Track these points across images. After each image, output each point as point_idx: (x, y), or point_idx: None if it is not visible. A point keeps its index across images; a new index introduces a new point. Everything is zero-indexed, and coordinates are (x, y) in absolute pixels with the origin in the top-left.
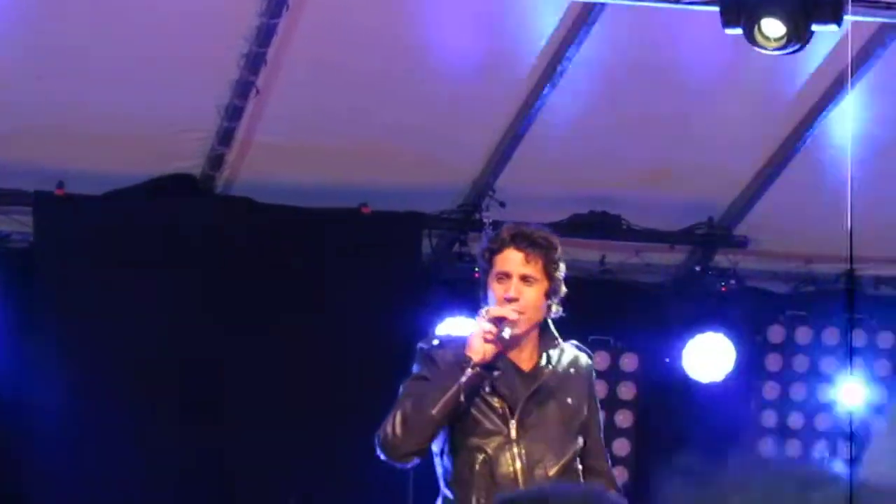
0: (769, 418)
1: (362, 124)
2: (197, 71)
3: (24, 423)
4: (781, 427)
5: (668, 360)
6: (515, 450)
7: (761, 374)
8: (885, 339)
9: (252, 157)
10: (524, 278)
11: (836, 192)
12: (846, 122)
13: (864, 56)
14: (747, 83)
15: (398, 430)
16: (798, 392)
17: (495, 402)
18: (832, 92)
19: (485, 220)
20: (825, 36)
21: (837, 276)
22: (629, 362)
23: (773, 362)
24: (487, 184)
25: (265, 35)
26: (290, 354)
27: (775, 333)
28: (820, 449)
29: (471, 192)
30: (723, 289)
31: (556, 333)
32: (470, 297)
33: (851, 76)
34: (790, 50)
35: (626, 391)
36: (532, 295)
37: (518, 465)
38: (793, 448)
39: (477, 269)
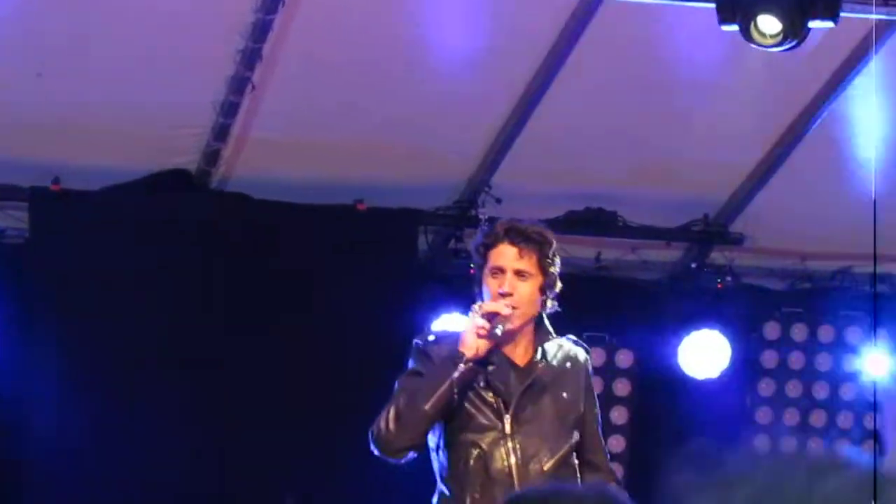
0: (764, 415)
1: (358, 120)
2: (193, 67)
3: (20, 420)
4: (777, 424)
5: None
6: (510, 445)
7: (757, 370)
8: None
9: (248, 154)
10: (518, 273)
11: (832, 189)
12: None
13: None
14: (744, 80)
15: (391, 425)
16: (793, 389)
17: (489, 397)
18: (828, 89)
19: (481, 217)
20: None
21: (833, 273)
22: (625, 359)
23: (768, 359)
24: (483, 180)
25: (261, 31)
26: (285, 351)
27: (771, 330)
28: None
29: (467, 188)
30: (719, 286)
31: (551, 328)
32: (466, 294)
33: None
34: (786, 47)
35: (622, 388)
36: (526, 290)
37: (512, 460)
38: (788, 445)
39: (472, 265)
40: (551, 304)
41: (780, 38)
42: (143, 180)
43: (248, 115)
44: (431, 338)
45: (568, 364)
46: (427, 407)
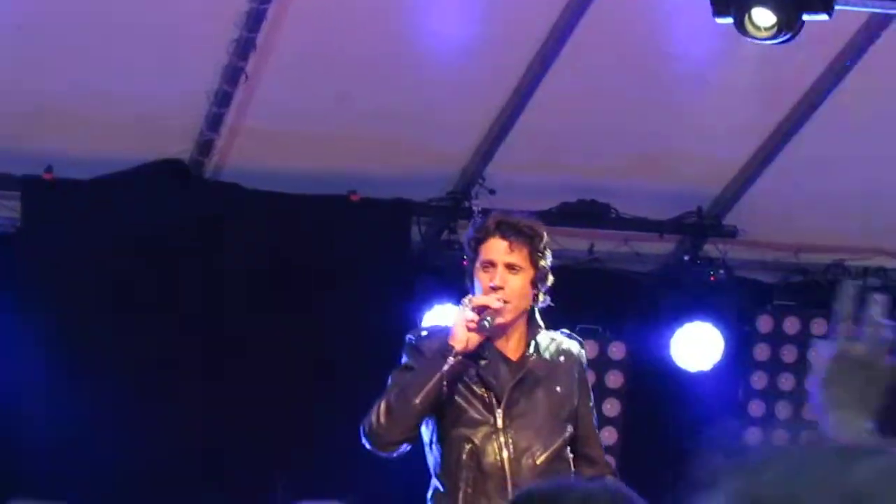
0: (757, 408)
1: (352, 111)
2: (186, 56)
3: (11, 409)
4: (769, 417)
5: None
6: (502, 439)
7: (749, 363)
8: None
9: (241, 143)
10: (509, 267)
11: (826, 184)
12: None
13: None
14: (738, 72)
15: (382, 419)
16: (786, 382)
17: (481, 391)
18: (823, 82)
19: (474, 208)
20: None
21: (826, 266)
22: (617, 351)
23: (761, 352)
24: (477, 171)
25: (255, 20)
26: (278, 340)
27: (764, 323)
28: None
29: (460, 179)
30: (711, 278)
31: (541, 322)
32: (459, 285)
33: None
34: (780, 39)
35: (614, 380)
36: (517, 283)
37: (505, 454)
38: (780, 439)
39: (465, 258)
40: (543, 298)
41: (774, 30)
42: (137, 170)
43: (241, 104)
44: (424, 333)
45: (561, 358)
46: (417, 401)
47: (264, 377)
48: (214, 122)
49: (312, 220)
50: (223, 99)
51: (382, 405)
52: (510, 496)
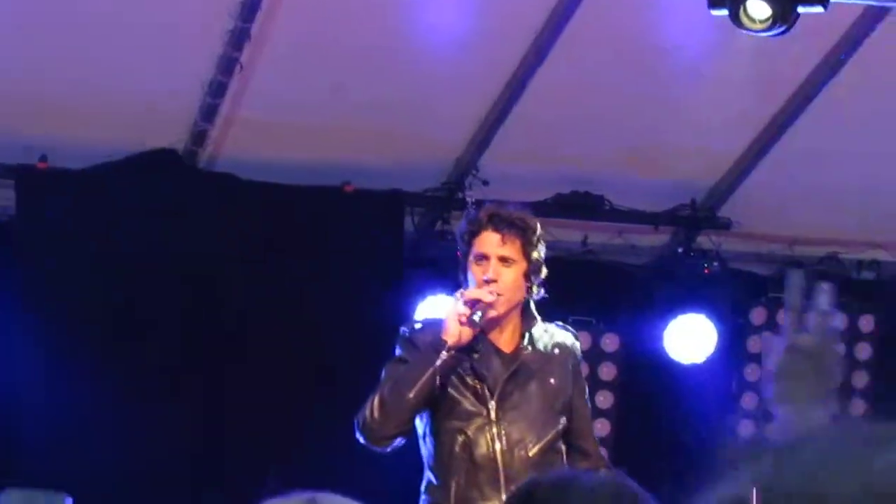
0: (750, 400)
1: (346, 102)
2: (181, 46)
3: (8, 399)
4: (762, 409)
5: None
6: (495, 430)
7: (743, 355)
8: (866, 322)
9: (235, 134)
10: (502, 259)
11: (821, 176)
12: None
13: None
14: (733, 64)
15: (376, 413)
16: None
17: (474, 383)
18: (818, 74)
19: (468, 199)
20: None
21: (820, 258)
22: (610, 343)
23: (754, 344)
24: (471, 162)
25: (249, 10)
26: (273, 330)
27: (758, 315)
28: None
29: (454, 170)
30: (706, 270)
31: (536, 314)
32: (453, 276)
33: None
34: (775, 32)
35: (608, 372)
36: (510, 276)
37: (497, 446)
38: (773, 431)
39: (458, 250)
40: (537, 290)
41: (769, 23)
42: (131, 159)
43: (236, 95)
44: (417, 325)
45: (556, 350)
46: (411, 395)
47: (257, 366)
48: (209, 112)
49: (306, 210)
50: (218, 89)
51: (376, 400)
52: (502, 488)
